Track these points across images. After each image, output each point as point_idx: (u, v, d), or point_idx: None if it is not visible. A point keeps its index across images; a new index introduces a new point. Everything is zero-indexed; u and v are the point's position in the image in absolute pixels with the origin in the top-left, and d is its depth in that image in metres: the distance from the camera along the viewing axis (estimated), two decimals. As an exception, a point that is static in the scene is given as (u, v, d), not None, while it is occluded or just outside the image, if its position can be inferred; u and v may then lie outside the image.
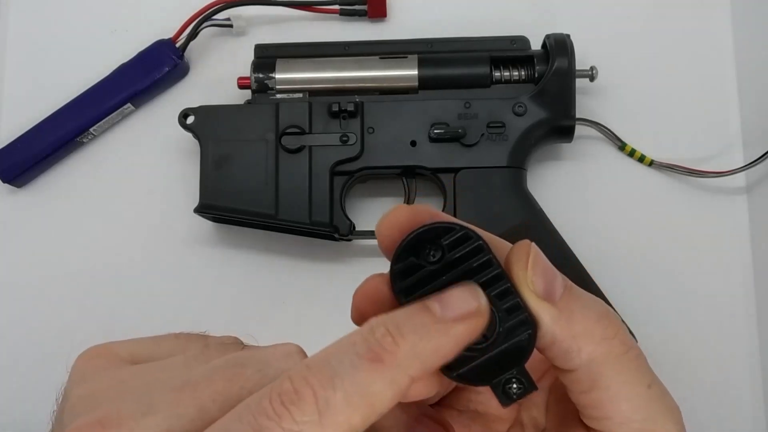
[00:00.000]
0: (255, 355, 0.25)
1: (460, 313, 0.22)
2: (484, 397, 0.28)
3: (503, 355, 0.24)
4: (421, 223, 0.24)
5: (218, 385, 0.24)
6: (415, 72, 0.53)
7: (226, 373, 0.24)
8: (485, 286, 0.23)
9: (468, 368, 0.24)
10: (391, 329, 0.21)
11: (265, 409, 0.20)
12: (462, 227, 0.24)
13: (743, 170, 0.54)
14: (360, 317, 0.25)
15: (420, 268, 0.24)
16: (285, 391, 0.20)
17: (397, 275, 0.24)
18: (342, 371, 0.21)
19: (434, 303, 0.22)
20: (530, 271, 0.23)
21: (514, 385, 0.24)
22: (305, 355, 0.25)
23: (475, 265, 0.24)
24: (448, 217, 0.25)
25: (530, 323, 0.24)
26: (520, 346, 0.24)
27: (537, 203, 0.53)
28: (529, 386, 0.24)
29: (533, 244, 0.24)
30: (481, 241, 0.24)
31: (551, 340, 0.24)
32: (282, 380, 0.21)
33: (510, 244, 0.25)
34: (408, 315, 0.22)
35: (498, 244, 0.25)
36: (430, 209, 0.25)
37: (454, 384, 0.27)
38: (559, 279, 0.24)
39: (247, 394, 0.22)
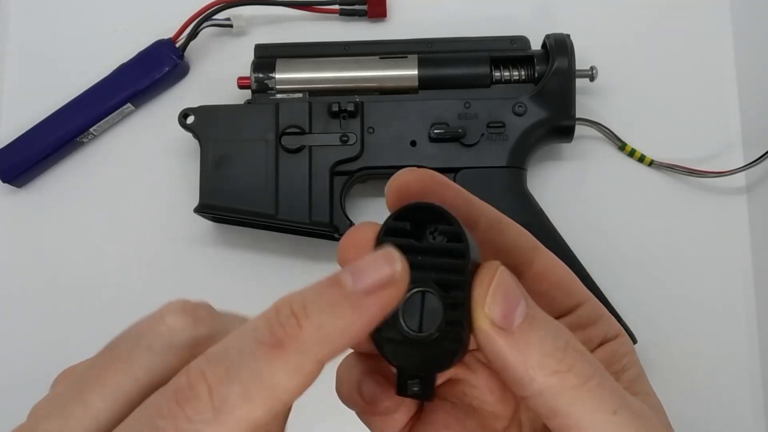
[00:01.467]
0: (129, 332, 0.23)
1: (371, 282, 0.20)
2: (479, 392, 0.27)
3: (424, 356, 0.23)
4: (437, 194, 0.24)
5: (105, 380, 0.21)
6: (415, 72, 0.53)
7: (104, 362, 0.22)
8: (445, 289, 0.23)
9: (388, 340, 0.23)
10: (296, 309, 0.20)
11: (161, 408, 0.19)
12: (459, 226, 0.23)
13: (743, 170, 0.54)
14: (344, 262, 0.24)
15: (408, 236, 0.23)
16: (179, 388, 0.19)
17: (389, 230, 0.23)
18: (240, 361, 0.19)
19: (346, 274, 0.20)
20: (489, 296, 0.22)
21: (416, 387, 0.24)
22: (190, 317, 0.22)
23: (448, 265, 0.23)
24: (467, 199, 0.25)
25: (461, 343, 0.23)
26: (440, 358, 0.23)
27: (537, 203, 0.53)
28: (426, 394, 0.24)
29: (502, 267, 0.23)
30: (467, 249, 0.23)
31: (502, 366, 0.23)
32: (179, 375, 0.19)
33: (525, 232, 0.26)
34: (317, 291, 0.20)
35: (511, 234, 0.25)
36: (450, 184, 0.24)
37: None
38: (521, 308, 0.23)
39: (143, 380, 0.20)
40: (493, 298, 0.22)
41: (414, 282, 0.22)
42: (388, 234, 0.23)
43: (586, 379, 0.23)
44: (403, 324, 0.23)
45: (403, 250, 0.22)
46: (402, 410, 0.26)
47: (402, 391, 0.24)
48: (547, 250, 0.28)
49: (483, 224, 0.26)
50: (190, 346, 0.21)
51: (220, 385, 0.19)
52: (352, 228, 0.25)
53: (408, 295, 0.23)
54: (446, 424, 0.27)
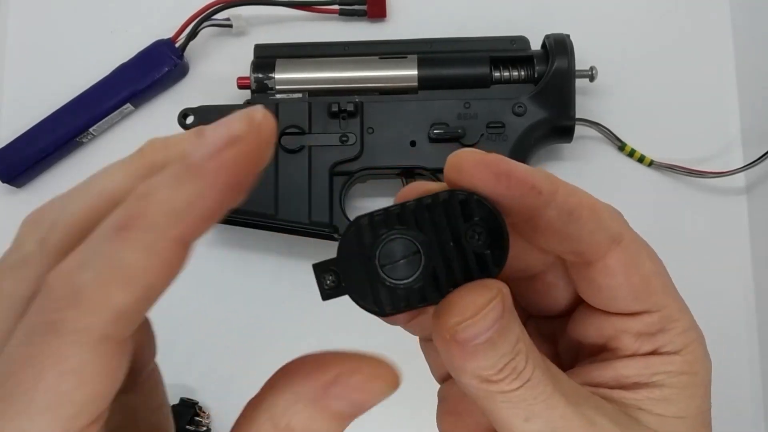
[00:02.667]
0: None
1: (214, 144, 0.18)
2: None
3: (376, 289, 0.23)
4: (496, 187, 0.23)
5: None
6: (414, 72, 0.53)
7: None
8: (447, 272, 0.23)
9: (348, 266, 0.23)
10: (145, 188, 0.18)
11: (31, 311, 0.18)
12: (507, 249, 0.23)
13: (743, 170, 0.54)
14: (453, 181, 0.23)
15: (445, 218, 0.23)
16: (45, 287, 0.18)
17: (432, 204, 0.23)
18: (94, 249, 0.18)
19: (191, 136, 0.19)
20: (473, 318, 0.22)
21: (328, 279, 0.24)
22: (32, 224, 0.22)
23: (473, 269, 0.23)
24: (532, 190, 0.23)
25: (411, 307, 0.23)
26: (385, 302, 0.23)
27: (537, 203, 0.53)
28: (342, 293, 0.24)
29: (495, 301, 0.22)
30: (497, 273, 0.23)
31: (448, 360, 0.23)
32: (49, 274, 0.18)
33: (608, 224, 0.24)
34: (165, 169, 0.19)
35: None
36: (513, 174, 0.23)
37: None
38: (489, 321, 0.22)
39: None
40: (466, 328, 0.22)
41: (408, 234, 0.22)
42: (436, 205, 0.23)
43: (505, 391, 0.23)
44: (377, 265, 0.23)
45: (438, 227, 0.22)
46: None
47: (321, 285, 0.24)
48: (636, 244, 0.26)
49: (550, 215, 0.24)
50: (40, 248, 0.21)
51: (74, 275, 0.18)
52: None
53: (393, 236, 0.23)
54: None
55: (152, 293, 0.18)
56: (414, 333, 0.28)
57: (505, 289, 0.23)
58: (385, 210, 0.23)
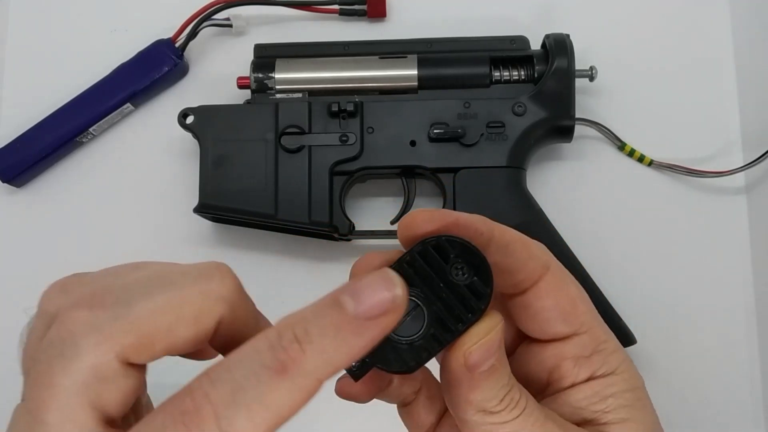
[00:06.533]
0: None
1: (373, 307, 0.21)
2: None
3: (382, 348, 0.25)
4: (448, 227, 0.26)
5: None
6: (414, 72, 0.53)
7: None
8: (445, 315, 0.25)
9: None
10: (299, 334, 0.21)
11: (166, 429, 0.20)
12: (490, 271, 0.25)
13: (743, 170, 0.54)
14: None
15: (427, 266, 0.25)
16: (185, 411, 0.20)
17: (411, 260, 0.25)
18: (245, 385, 0.20)
19: (346, 297, 0.21)
20: (477, 345, 0.25)
21: (355, 368, 0.26)
22: (231, 281, 0.24)
23: (466, 303, 0.25)
24: (476, 232, 0.26)
25: (419, 363, 0.25)
26: (392, 361, 0.25)
27: (537, 203, 0.53)
28: (357, 377, 0.26)
29: (501, 324, 0.26)
30: (489, 295, 0.25)
31: (450, 391, 0.26)
32: (183, 396, 0.20)
33: (537, 253, 0.27)
34: (319, 313, 0.21)
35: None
36: (461, 222, 0.26)
37: None
38: (492, 359, 0.25)
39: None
40: (480, 346, 0.25)
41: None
42: (415, 258, 0.25)
43: (506, 421, 0.26)
44: None
45: (424, 280, 0.24)
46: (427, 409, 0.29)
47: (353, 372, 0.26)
48: (561, 271, 0.29)
49: (491, 251, 0.27)
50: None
51: (226, 408, 0.19)
52: (361, 258, 0.27)
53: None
54: None
55: (287, 422, 0.21)
56: (391, 401, 0.30)
57: (502, 322, 0.26)
58: None
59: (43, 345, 0.21)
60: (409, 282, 0.25)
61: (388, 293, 0.21)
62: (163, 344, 0.22)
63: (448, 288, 0.25)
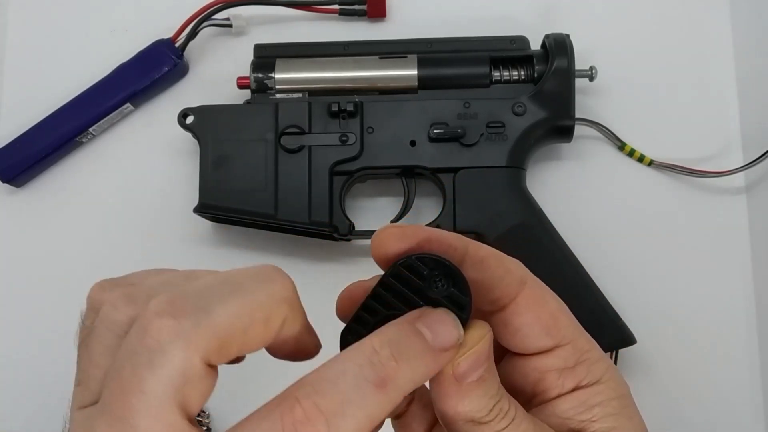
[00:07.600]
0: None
1: (447, 342, 0.25)
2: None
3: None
4: (424, 248, 0.26)
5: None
6: (414, 72, 0.53)
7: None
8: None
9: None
10: (395, 353, 0.24)
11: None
12: (466, 282, 0.26)
13: (743, 170, 0.54)
14: (343, 315, 0.28)
15: (404, 288, 0.26)
16: (297, 420, 0.22)
17: (394, 275, 0.25)
18: (352, 396, 0.22)
19: (424, 328, 0.24)
20: (465, 356, 0.26)
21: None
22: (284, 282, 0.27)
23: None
24: (449, 247, 0.27)
25: None
26: None
27: (536, 203, 0.53)
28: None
29: (489, 335, 0.26)
30: (469, 303, 0.26)
31: (439, 401, 0.27)
32: (292, 404, 0.22)
33: (512, 268, 0.28)
34: (405, 336, 0.24)
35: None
36: (433, 237, 0.26)
37: None
38: (480, 370, 0.26)
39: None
40: (467, 357, 0.26)
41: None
42: (390, 282, 0.26)
43: (496, 431, 0.26)
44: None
45: (401, 298, 0.25)
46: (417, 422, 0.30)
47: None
48: (539, 285, 0.29)
49: (466, 267, 0.27)
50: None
51: (336, 417, 0.22)
52: (345, 289, 0.28)
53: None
54: None
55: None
56: None
57: (491, 332, 0.27)
58: (356, 317, 0.26)
59: (124, 353, 0.23)
60: (389, 306, 0.25)
61: (456, 331, 0.25)
62: (238, 346, 0.24)
63: (429, 305, 0.26)
